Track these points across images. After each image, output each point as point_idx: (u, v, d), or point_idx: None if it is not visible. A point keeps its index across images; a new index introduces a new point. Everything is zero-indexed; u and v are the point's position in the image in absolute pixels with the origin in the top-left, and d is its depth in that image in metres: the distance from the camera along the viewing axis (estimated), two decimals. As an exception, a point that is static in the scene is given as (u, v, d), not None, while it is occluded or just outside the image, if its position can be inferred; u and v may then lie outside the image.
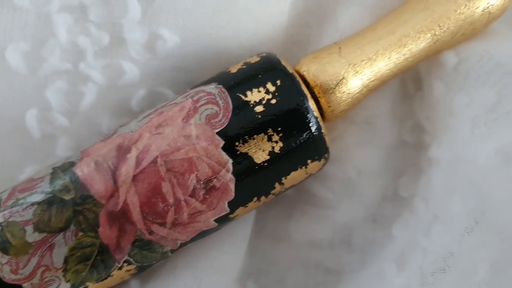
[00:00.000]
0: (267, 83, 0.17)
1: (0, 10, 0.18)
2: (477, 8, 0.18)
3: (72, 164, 0.17)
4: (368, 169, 0.21)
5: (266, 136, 0.16)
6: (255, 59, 0.18)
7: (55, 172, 0.17)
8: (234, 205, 0.17)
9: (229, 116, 0.16)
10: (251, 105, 0.17)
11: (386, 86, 0.21)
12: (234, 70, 0.18)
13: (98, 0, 0.18)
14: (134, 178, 0.16)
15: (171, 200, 0.16)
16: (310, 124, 0.17)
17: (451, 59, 0.19)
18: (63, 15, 0.18)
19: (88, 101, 0.19)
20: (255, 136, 0.16)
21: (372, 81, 0.18)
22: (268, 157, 0.17)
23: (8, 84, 0.19)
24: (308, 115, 0.17)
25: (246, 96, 0.17)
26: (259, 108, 0.16)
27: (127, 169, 0.16)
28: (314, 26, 0.21)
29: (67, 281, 0.16)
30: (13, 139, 0.20)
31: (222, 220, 0.17)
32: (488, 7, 0.19)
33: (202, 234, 0.17)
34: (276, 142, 0.16)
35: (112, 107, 0.19)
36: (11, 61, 0.18)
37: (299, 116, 0.17)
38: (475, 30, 0.19)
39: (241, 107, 0.17)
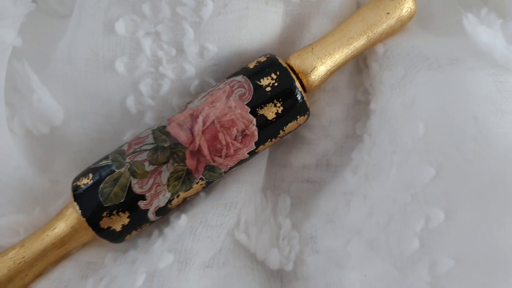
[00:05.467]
0: (271, 74, 0.29)
1: (109, 37, 0.30)
2: (393, 18, 0.30)
3: (164, 127, 0.29)
4: (335, 119, 0.34)
5: (273, 104, 0.29)
6: (263, 58, 0.30)
7: (155, 132, 0.29)
8: (258, 144, 0.30)
9: (252, 94, 0.29)
10: (263, 87, 0.29)
11: (345, 67, 0.33)
12: (251, 66, 0.30)
13: (167, 29, 0.30)
14: (203, 132, 0.28)
15: (224, 142, 0.29)
16: (297, 96, 0.29)
17: (381, 49, 0.31)
18: (147, 38, 0.30)
19: (165, 89, 0.31)
20: (267, 104, 0.29)
21: (333, 66, 0.31)
22: (275, 116, 0.29)
23: (117, 82, 0.31)
24: (295, 91, 0.29)
25: (260, 82, 0.29)
26: (268, 89, 0.29)
27: (198, 127, 0.28)
28: (297, 32, 0.33)
29: (169, 192, 0.29)
30: (119, 115, 0.32)
31: (251, 153, 0.30)
32: (400, 17, 0.31)
33: (241, 162, 0.30)
34: (279, 107, 0.29)
35: (179, 92, 0.32)
36: (118, 69, 0.30)
37: (291, 92, 0.29)
38: (394, 30, 0.31)
39: (258, 88, 0.29)
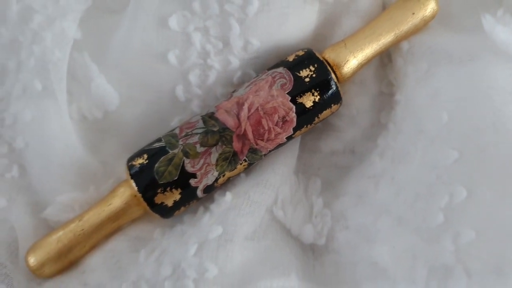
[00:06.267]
0: (309, 66, 0.32)
1: (163, 31, 0.33)
2: (417, 17, 0.34)
3: (212, 113, 0.32)
4: (362, 109, 0.37)
5: (311, 93, 0.32)
6: (301, 52, 0.33)
7: (204, 118, 0.32)
8: (295, 130, 0.33)
9: (292, 84, 0.32)
10: (303, 78, 0.32)
11: (371, 61, 0.37)
12: (290, 59, 0.33)
13: (215, 23, 0.33)
14: (248, 117, 0.32)
15: (266, 127, 0.32)
16: (332, 86, 0.32)
17: (405, 45, 0.35)
18: (196, 33, 0.33)
19: (211, 80, 0.34)
20: (305, 93, 0.32)
21: (363, 60, 0.34)
22: (312, 104, 0.32)
23: (168, 73, 0.34)
24: (331, 82, 0.32)
25: (299, 73, 0.32)
26: (307, 79, 0.32)
27: (244, 114, 0.32)
28: (329, 29, 0.36)
29: (217, 171, 0.32)
30: (168, 102, 0.35)
31: (288, 138, 0.33)
32: (424, 17, 0.34)
33: (279, 146, 0.33)
34: (316, 96, 0.32)
35: (223, 82, 0.35)
36: (170, 60, 0.33)
37: (327, 83, 0.32)
38: (418, 28, 0.34)
39: (297, 79, 0.32)
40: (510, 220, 0.27)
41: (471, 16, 0.35)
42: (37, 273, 0.33)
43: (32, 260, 0.32)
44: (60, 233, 0.33)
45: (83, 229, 0.33)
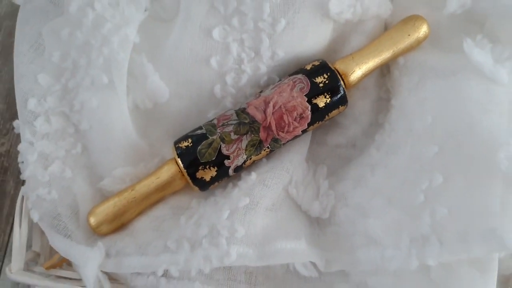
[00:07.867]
0: (323, 74, 0.40)
1: (207, 40, 0.41)
2: (412, 38, 0.42)
3: (244, 108, 0.40)
4: (363, 110, 0.45)
5: (323, 96, 0.40)
6: (316, 62, 0.41)
7: (237, 112, 0.40)
8: (309, 125, 0.41)
9: (309, 88, 0.40)
10: (318, 83, 0.40)
11: (373, 72, 0.44)
12: (308, 67, 0.41)
13: (249, 37, 0.40)
14: (273, 113, 0.39)
15: (286, 122, 0.40)
16: (341, 91, 0.40)
17: (401, 60, 0.43)
18: (234, 43, 0.41)
19: (243, 82, 0.42)
20: (319, 96, 0.40)
21: (367, 71, 0.42)
22: (324, 104, 0.40)
23: (209, 74, 0.42)
24: (340, 88, 0.40)
25: (315, 79, 0.40)
26: (321, 85, 0.40)
27: (269, 109, 0.39)
28: (340, 44, 0.44)
29: (245, 155, 0.40)
30: (206, 98, 0.43)
31: (303, 131, 0.41)
32: (417, 38, 0.42)
33: (295, 137, 0.41)
34: (328, 98, 0.40)
35: (252, 84, 0.43)
36: (212, 64, 0.41)
37: (337, 88, 0.40)
38: (412, 47, 0.42)
39: (313, 84, 0.40)
40: (475, 201, 0.35)
41: (456, 39, 0.43)
42: (96, 231, 0.40)
43: (93, 220, 0.40)
44: (116, 199, 0.41)
45: (134, 197, 0.41)
